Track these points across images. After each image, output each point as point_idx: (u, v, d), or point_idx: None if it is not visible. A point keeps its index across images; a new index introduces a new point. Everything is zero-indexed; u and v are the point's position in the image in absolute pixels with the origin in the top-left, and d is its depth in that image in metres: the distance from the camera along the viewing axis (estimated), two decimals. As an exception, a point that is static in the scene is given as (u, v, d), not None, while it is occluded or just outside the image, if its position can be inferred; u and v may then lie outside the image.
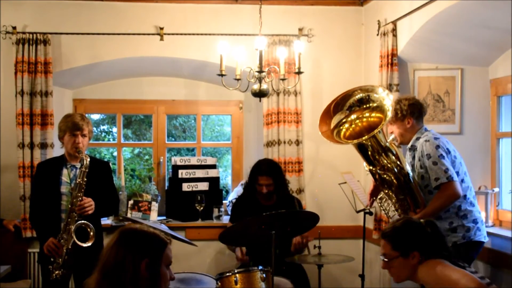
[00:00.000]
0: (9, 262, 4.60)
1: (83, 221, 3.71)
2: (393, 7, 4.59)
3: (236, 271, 3.59)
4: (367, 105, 3.48)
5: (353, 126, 3.47)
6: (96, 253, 3.87)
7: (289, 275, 3.90)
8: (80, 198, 3.72)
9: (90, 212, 3.76)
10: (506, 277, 4.02)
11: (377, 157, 3.40)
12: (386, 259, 2.62)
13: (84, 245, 3.67)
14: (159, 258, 2.09)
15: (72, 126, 3.86)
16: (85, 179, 3.74)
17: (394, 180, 3.44)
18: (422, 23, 4.17)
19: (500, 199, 4.50)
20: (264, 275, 3.56)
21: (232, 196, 5.44)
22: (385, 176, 3.43)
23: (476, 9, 3.80)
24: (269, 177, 4.41)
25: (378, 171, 3.43)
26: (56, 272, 3.70)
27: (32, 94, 4.81)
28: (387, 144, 3.42)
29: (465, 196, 3.62)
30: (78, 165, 3.91)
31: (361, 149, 3.43)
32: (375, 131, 3.26)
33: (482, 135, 4.64)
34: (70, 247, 3.69)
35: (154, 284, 2.06)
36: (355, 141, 3.35)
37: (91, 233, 3.71)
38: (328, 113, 3.50)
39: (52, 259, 3.72)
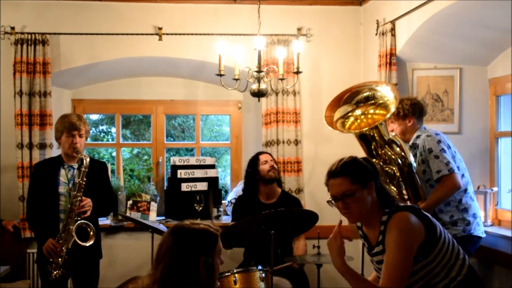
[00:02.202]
0: (8, 263, 4.60)
1: (83, 221, 3.72)
2: (392, 6, 4.60)
3: (235, 271, 3.59)
4: (372, 101, 3.53)
5: (358, 121, 3.51)
6: (93, 253, 3.93)
7: (288, 275, 3.90)
8: (80, 198, 3.73)
9: (88, 212, 3.77)
10: (505, 277, 4.02)
11: (379, 150, 3.45)
12: (347, 194, 2.53)
13: (86, 244, 3.69)
14: (213, 252, 2.16)
15: (69, 126, 3.85)
16: (85, 179, 3.75)
17: (397, 172, 3.48)
18: (420, 23, 4.17)
19: (499, 198, 4.51)
20: (263, 275, 3.56)
21: (231, 196, 5.43)
22: (387, 169, 3.47)
23: (475, 8, 3.80)
24: (268, 154, 4.63)
25: (381, 163, 3.46)
26: (55, 272, 3.70)
27: (30, 95, 4.81)
28: (391, 137, 3.48)
29: (465, 190, 3.71)
30: (75, 165, 3.91)
31: (365, 141, 3.47)
32: (378, 122, 3.31)
33: (481, 135, 4.64)
34: (70, 246, 3.69)
35: (211, 278, 2.16)
36: (357, 131, 3.39)
37: (91, 233, 3.73)
38: (339, 101, 3.54)
39: (51, 260, 3.72)
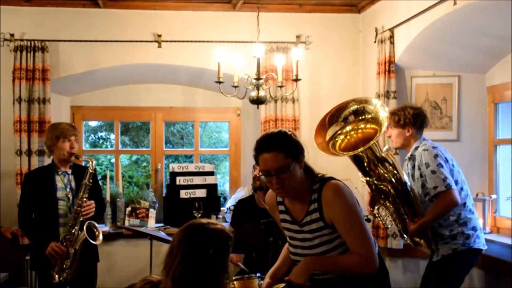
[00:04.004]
0: (6, 270, 4.59)
1: (90, 221, 3.78)
2: (391, 14, 4.61)
3: (233, 278, 3.58)
4: (362, 117, 3.45)
5: (348, 137, 3.43)
6: (91, 257, 3.93)
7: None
8: (85, 199, 3.78)
9: (91, 214, 3.81)
10: (504, 284, 4.02)
11: (372, 168, 3.37)
12: (283, 170, 2.42)
13: (96, 243, 3.77)
14: (228, 253, 2.11)
15: (66, 132, 3.88)
16: (91, 181, 3.81)
17: (391, 190, 3.43)
18: (419, 30, 4.18)
19: (497, 205, 4.51)
20: (262, 282, 3.54)
21: (230, 203, 5.43)
22: (381, 186, 3.42)
23: (474, 16, 3.81)
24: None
25: (375, 181, 3.42)
26: (57, 275, 3.70)
27: (29, 101, 4.81)
28: (383, 154, 3.41)
29: (464, 204, 3.63)
30: (69, 171, 3.94)
31: (357, 160, 3.42)
32: (371, 143, 3.22)
33: (479, 142, 4.65)
34: (77, 248, 3.73)
35: (225, 279, 2.12)
36: (351, 153, 3.32)
37: (97, 233, 3.80)
38: (323, 125, 3.45)
39: (53, 263, 3.72)
